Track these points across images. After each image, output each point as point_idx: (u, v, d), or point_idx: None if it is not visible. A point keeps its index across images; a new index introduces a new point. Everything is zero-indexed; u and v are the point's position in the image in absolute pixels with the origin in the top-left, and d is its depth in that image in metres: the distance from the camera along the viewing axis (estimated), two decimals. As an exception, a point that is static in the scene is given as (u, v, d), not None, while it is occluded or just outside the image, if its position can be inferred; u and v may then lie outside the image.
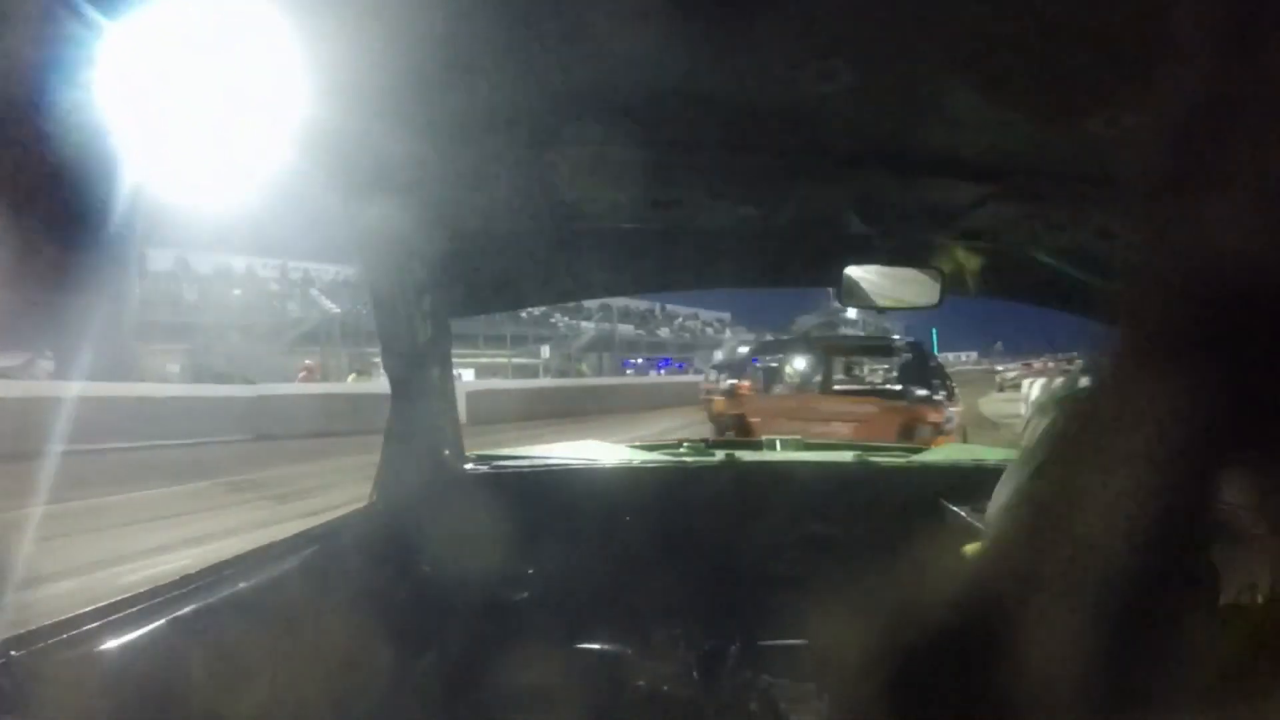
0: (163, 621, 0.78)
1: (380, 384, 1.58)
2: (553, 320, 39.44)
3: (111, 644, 0.72)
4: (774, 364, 6.93)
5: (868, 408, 6.55)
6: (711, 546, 1.82)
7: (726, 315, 56.90)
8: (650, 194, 1.39)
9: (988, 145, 1.21)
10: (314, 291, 34.75)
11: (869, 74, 0.99)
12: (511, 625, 1.73)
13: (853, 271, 1.56)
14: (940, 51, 0.91)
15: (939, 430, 6.24)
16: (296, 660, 1.02)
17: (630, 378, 32.93)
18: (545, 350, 36.81)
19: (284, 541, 1.10)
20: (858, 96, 1.04)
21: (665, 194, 1.39)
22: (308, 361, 22.20)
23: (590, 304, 42.06)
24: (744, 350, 8.69)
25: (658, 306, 50.59)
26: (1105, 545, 0.35)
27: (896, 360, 7.32)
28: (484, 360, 32.03)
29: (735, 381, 6.99)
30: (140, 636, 0.75)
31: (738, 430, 6.15)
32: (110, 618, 0.74)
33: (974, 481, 1.80)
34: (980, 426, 12.40)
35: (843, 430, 6.15)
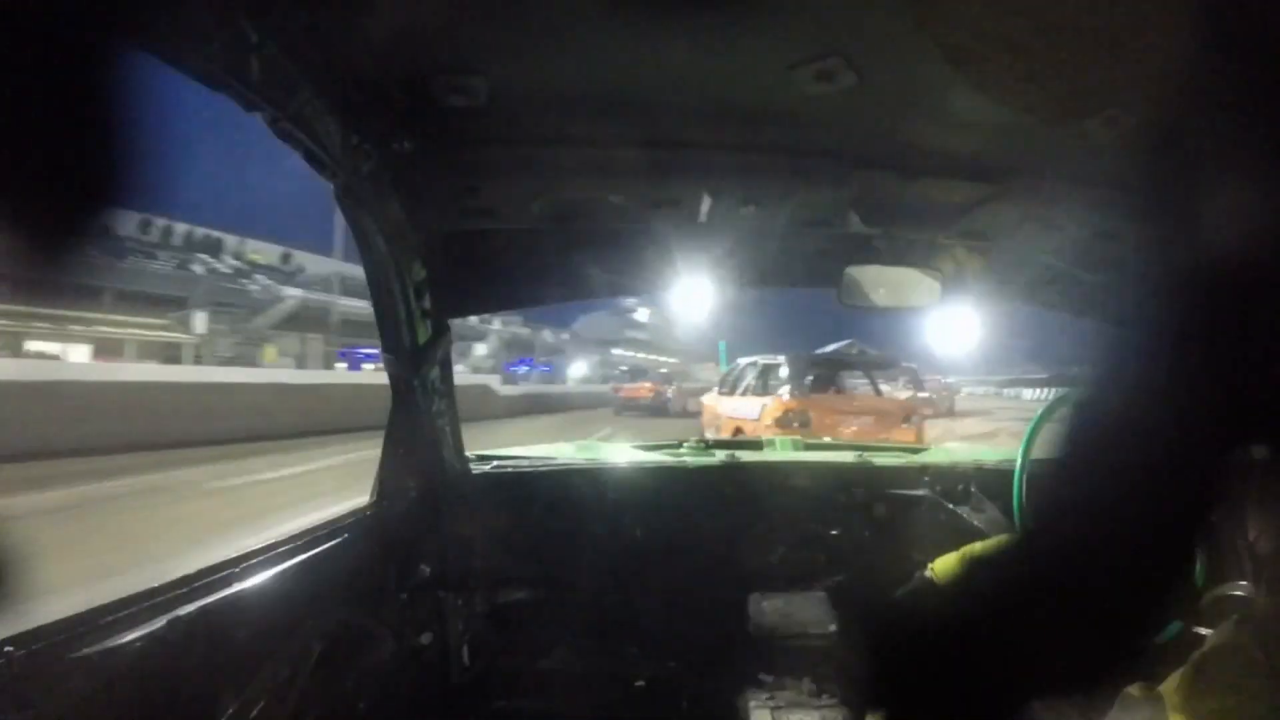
0: (163, 621, 0.78)
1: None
2: (243, 281, 25.27)
3: (111, 644, 0.72)
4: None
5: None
6: (712, 546, 1.82)
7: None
8: (650, 194, 1.39)
9: (988, 145, 1.21)
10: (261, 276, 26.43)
11: (868, 74, 0.99)
12: (511, 624, 1.73)
13: (853, 271, 1.56)
14: (940, 51, 0.91)
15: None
16: (296, 660, 1.02)
17: (339, 375, 18.78)
18: (199, 320, 21.10)
19: (284, 541, 1.10)
20: (857, 96, 1.04)
21: (665, 194, 1.39)
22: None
23: (308, 264, 31.05)
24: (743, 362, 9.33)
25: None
26: (1107, 543, 0.35)
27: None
28: (106, 331, 19.75)
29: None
30: (140, 636, 0.75)
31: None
32: (110, 618, 0.74)
33: (974, 481, 1.81)
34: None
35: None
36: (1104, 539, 0.35)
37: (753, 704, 1.39)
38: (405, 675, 1.37)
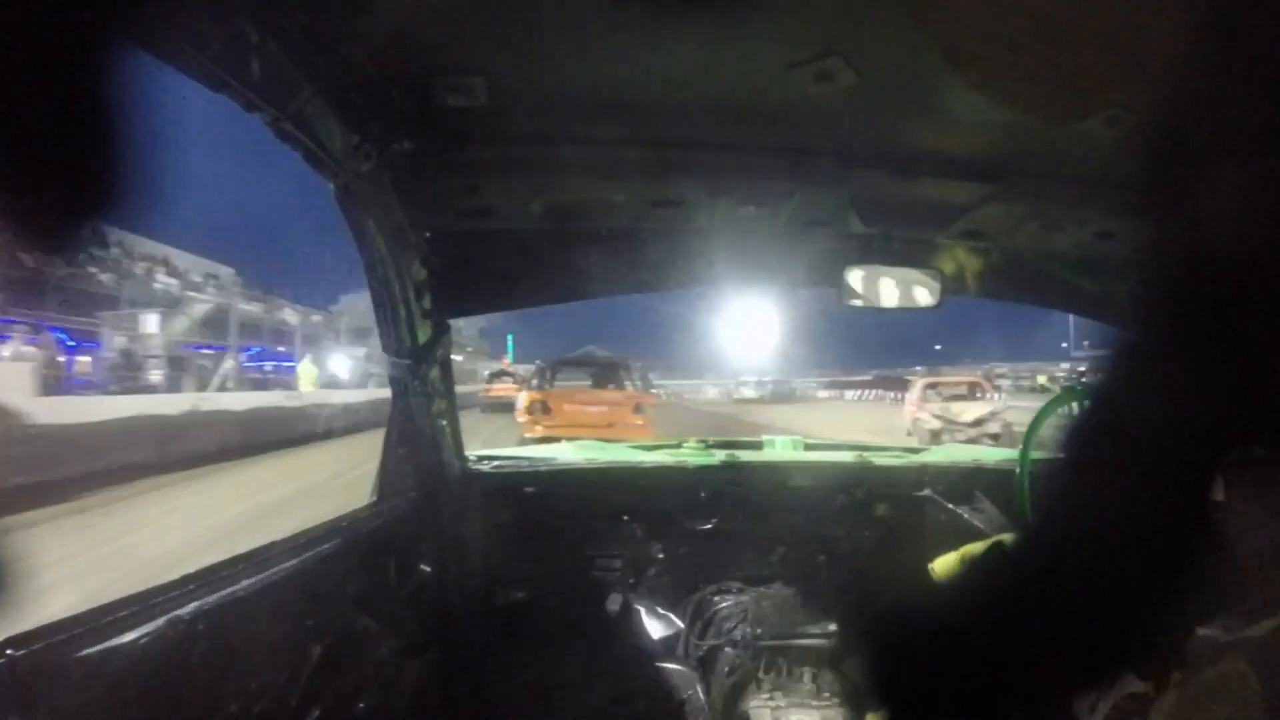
0: (163, 621, 0.78)
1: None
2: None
3: (111, 644, 0.72)
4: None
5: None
6: (712, 546, 1.82)
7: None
8: (650, 194, 1.39)
9: (988, 145, 1.21)
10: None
11: (868, 74, 0.99)
12: (511, 624, 1.73)
13: (853, 271, 1.56)
14: (940, 51, 0.91)
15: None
16: (297, 660, 1.02)
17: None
18: (150, 322, 19.35)
19: (284, 541, 1.10)
20: (857, 96, 1.04)
21: (665, 194, 1.39)
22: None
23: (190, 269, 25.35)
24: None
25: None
26: (1108, 543, 0.35)
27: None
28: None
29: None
30: (140, 636, 0.75)
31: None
32: (110, 618, 0.74)
33: (974, 481, 1.81)
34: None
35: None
36: (1104, 539, 0.35)
37: (753, 704, 1.39)
38: (405, 675, 1.37)
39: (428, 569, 1.53)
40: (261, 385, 20.22)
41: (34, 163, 0.34)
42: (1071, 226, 1.46)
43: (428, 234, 1.39)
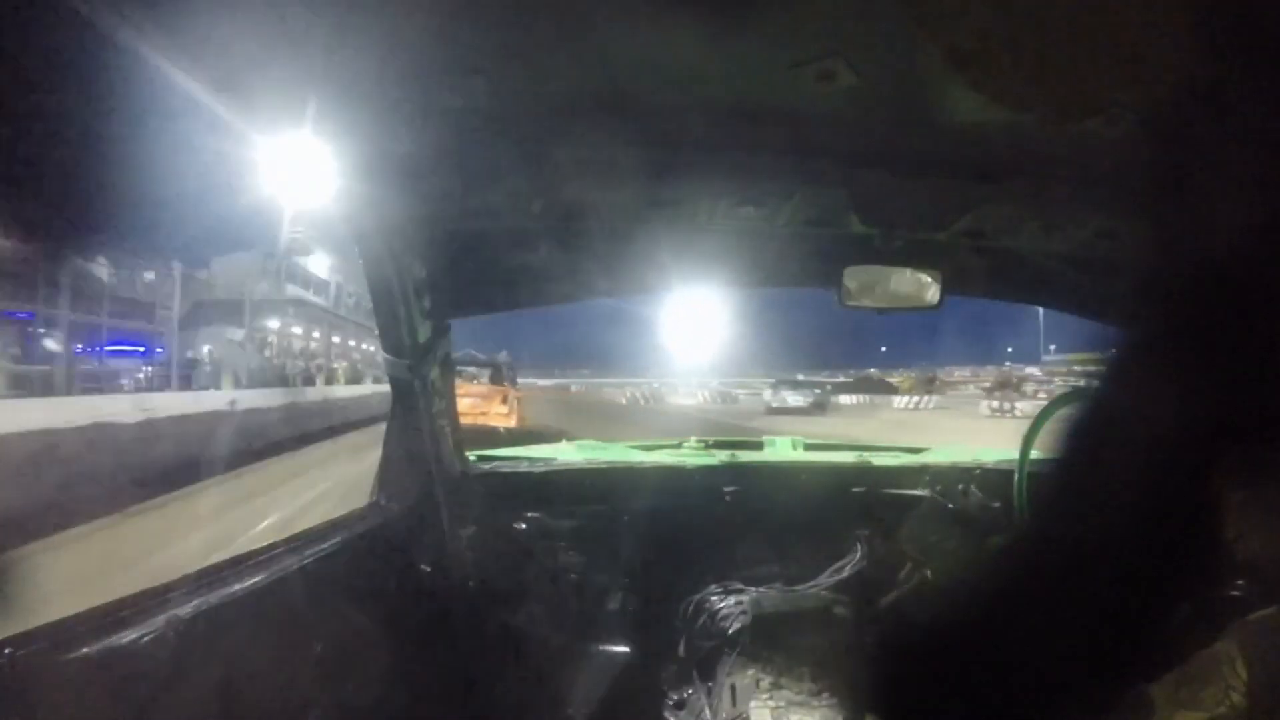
0: (163, 621, 0.78)
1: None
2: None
3: (111, 644, 0.72)
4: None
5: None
6: (712, 546, 1.82)
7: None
8: (650, 194, 1.39)
9: (988, 145, 1.21)
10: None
11: (868, 74, 0.99)
12: (512, 625, 1.73)
13: (853, 271, 1.56)
14: (940, 51, 0.91)
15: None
16: (296, 660, 1.02)
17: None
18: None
19: (284, 541, 1.10)
20: (857, 96, 1.04)
21: (665, 194, 1.39)
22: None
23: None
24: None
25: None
26: (1107, 543, 0.35)
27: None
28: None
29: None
30: (140, 636, 0.75)
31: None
32: (110, 618, 0.74)
33: (974, 481, 1.81)
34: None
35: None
36: (1103, 538, 0.35)
37: (753, 704, 1.39)
38: (405, 675, 1.37)
39: (428, 569, 1.53)
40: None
41: (34, 162, 0.34)
42: (1071, 226, 1.46)
43: (428, 234, 1.39)
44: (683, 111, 1.14)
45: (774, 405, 26.14)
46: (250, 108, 0.87)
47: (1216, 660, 0.70)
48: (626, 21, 0.90)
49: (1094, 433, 0.37)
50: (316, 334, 30.88)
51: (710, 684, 1.60)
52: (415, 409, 1.48)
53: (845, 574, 1.75)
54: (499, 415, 11.36)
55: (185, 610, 0.81)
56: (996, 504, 1.73)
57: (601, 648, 1.76)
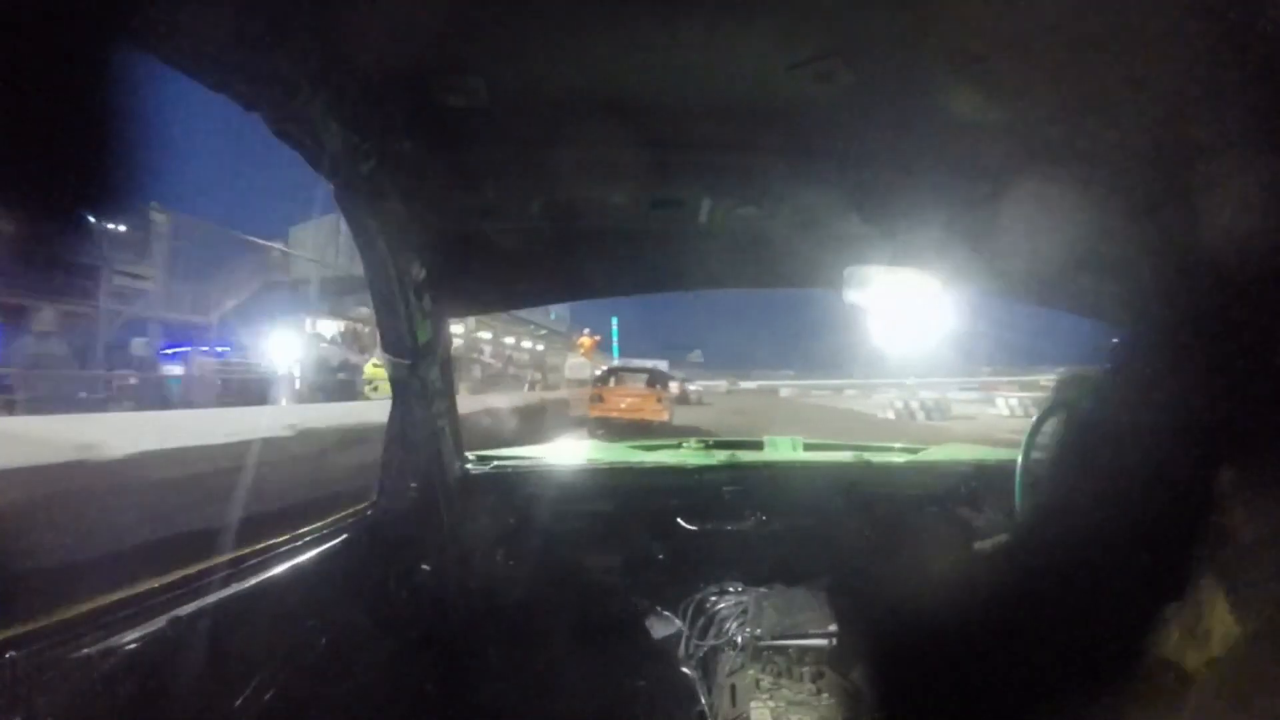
0: (163, 621, 0.78)
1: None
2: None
3: (111, 644, 0.72)
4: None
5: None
6: (712, 546, 1.82)
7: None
8: (650, 194, 1.39)
9: (988, 145, 1.21)
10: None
11: (868, 74, 0.99)
12: (511, 624, 1.73)
13: (853, 271, 1.56)
14: (940, 51, 0.91)
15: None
16: (296, 659, 1.02)
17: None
18: None
19: (284, 541, 1.10)
20: (857, 96, 1.04)
21: (665, 194, 1.39)
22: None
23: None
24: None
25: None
26: (1107, 542, 0.35)
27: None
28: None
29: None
30: (140, 636, 0.75)
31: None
32: (110, 618, 0.74)
33: (974, 481, 1.81)
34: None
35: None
36: (1103, 538, 0.35)
37: (753, 704, 1.39)
38: (405, 675, 1.37)
39: (428, 569, 1.53)
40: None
41: (34, 161, 0.34)
42: (1071, 226, 1.46)
43: (428, 234, 1.39)
44: (683, 111, 1.14)
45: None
46: (250, 107, 0.87)
47: (1216, 657, 0.70)
48: (626, 22, 0.90)
49: (1094, 432, 0.37)
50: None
51: (710, 684, 1.60)
52: (415, 409, 1.48)
53: (845, 574, 1.75)
54: (653, 410, 13.74)
55: (185, 610, 0.81)
56: (996, 504, 1.73)
57: (601, 648, 1.76)
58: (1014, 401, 23.18)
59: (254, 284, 17.61)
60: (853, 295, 1.57)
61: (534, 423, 10.51)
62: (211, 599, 0.86)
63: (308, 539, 1.14)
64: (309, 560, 1.09)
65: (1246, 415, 0.33)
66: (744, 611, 1.65)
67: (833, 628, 1.54)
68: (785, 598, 1.67)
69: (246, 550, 1.01)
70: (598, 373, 17.11)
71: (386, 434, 1.50)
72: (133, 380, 12.69)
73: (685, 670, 1.70)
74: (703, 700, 1.60)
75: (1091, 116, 1.01)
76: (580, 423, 12.85)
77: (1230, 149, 0.31)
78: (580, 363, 24.66)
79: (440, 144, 1.21)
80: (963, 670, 0.39)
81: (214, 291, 16.58)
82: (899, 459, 2.06)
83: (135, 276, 14.31)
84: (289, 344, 15.31)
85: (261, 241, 18.11)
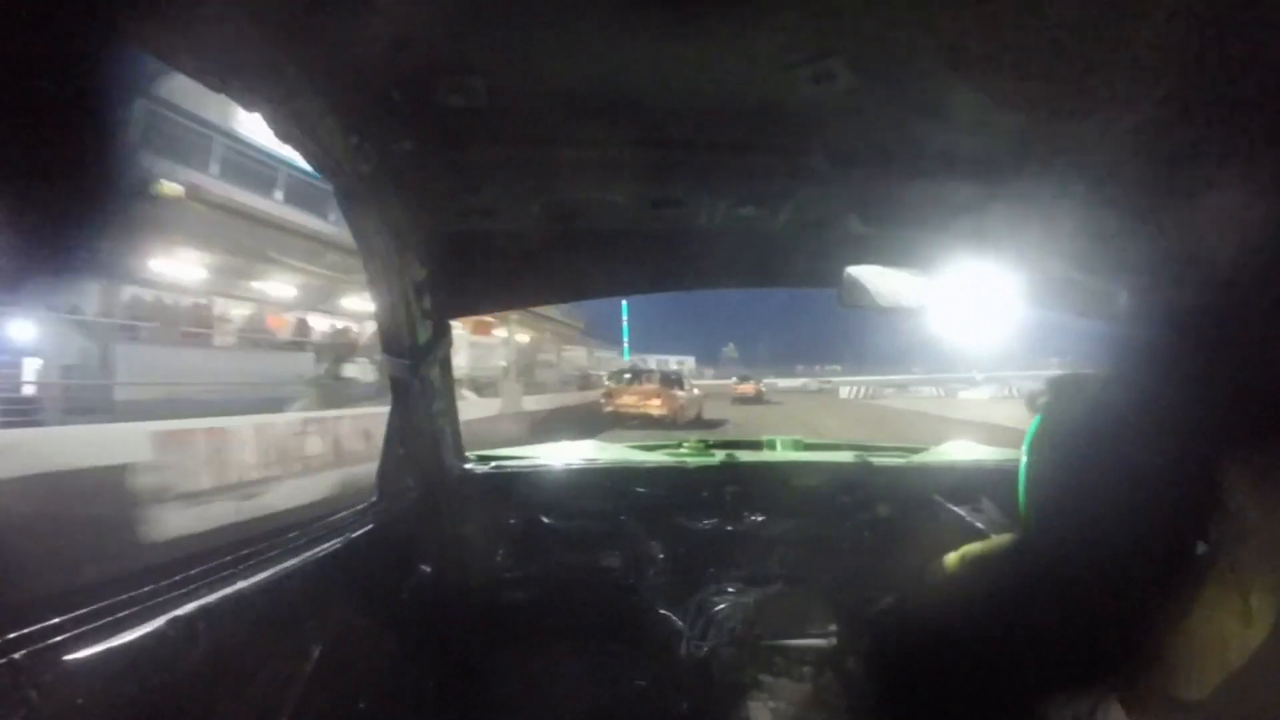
0: (163, 621, 0.78)
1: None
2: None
3: (111, 644, 0.72)
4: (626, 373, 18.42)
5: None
6: (712, 546, 1.82)
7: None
8: (650, 194, 1.39)
9: (988, 145, 1.21)
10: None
11: (868, 74, 0.99)
12: (511, 624, 1.73)
13: (853, 272, 1.56)
14: (939, 51, 0.91)
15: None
16: (297, 660, 1.02)
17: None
18: None
19: (284, 541, 1.10)
20: (857, 96, 1.04)
21: (665, 194, 1.39)
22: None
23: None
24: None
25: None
26: (1108, 542, 0.35)
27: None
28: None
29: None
30: (140, 636, 0.75)
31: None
32: (110, 618, 0.74)
33: (974, 481, 1.81)
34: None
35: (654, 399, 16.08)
36: (1104, 537, 0.35)
37: (753, 705, 1.39)
38: (405, 675, 1.37)
39: (428, 569, 1.53)
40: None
41: (33, 161, 0.34)
42: (1071, 226, 1.46)
43: (428, 234, 1.39)
44: (683, 111, 1.14)
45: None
46: (250, 107, 0.87)
47: (1217, 655, 0.70)
48: (626, 21, 0.90)
49: (1094, 432, 0.37)
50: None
51: (710, 684, 1.60)
52: (415, 409, 1.48)
53: (845, 574, 1.75)
54: (654, 405, 15.82)
55: (185, 610, 0.81)
56: (996, 504, 1.73)
57: (601, 648, 1.76)
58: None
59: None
60: (852, 295, 1.57)
61: (596, 412, 16.11)
62: (211, 599, 0.86)
63: (307, 539, 1.14)
64: (309, 560, 1.09)
65: (1249, 413, 0.33)
66: (744, 611, 1.65)
67: (833, 628, 1.54)
68: (785, 598, 1.67)
69: (246, 550, 1.01)
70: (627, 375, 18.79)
71: (387, 434, 1.50)
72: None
73: (685, 670, 1.70)
74: (703, 701, 1.60)
75: (1091, 116, 1.01)
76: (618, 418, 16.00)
77: (1232, 148, 0.31)
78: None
79: (440, 144, 1.20)
80: (963, 670, 0.39)
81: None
82: (899, 459, 2.06)
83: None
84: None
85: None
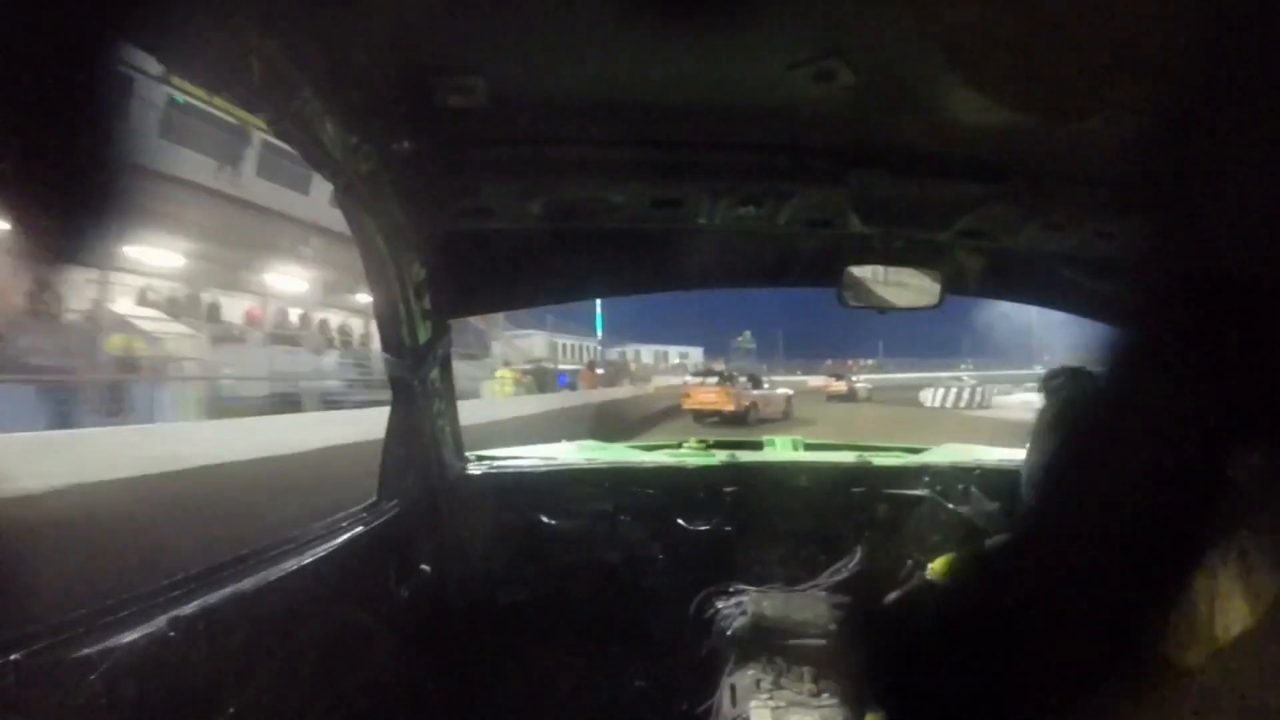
0: (163, 621, 0.78)
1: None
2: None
3: (111, 644, 0.72)
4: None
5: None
6: (711, 546, 1.82)
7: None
8: (650, 194, 1.39)
9: (988, 145, 1.21)
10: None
11: (868, 74, 0.99)
12: (511, 624, 1.73)
13: (853, 271, 1.56)
14: (939, 52, 0.91)
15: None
16: (297, 660, 1.02)
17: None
18: None
19: (284, 541, 1.10)
20: (857, 96, 1.04)
21: (665, 194, 1.39)
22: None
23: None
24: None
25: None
26: (1108, 542, 0.35)
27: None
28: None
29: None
30: (140, 636, 0.75)
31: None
32: (110, 618, 0.74)
33: (974, 481, 1.81)
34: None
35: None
36: (1105, 538, 0.35)
37: (753, 704, 1.39)
38: (405, 675, 1.37)
39: (428, 569, 1.53)
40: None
41: (34, 161, 0.34)
42: (1071, 226, 1.46)
43: (428, 234, 1.39)
44: (683, 111, 1.14)
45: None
46: (249, 108, 0.87)
47: (1222, 654, 0.70)
48: (626, 22, 0.90)
49: (1095, 432, 0.37)
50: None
51: (710, 684, 1.60)
52: (415, 409, 1.48)
53: (845, 574, 1.75)
54: (723, 400, 17.70)
55: (185, 610, 0.81)
56: (996, 504, 1.73)
57: (601, 648, 1.76)
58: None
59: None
60: (852, 295, 1.58)
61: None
62: (212, 599, 0.86)
63: (308, 539, 1.14)
64: (309, 560, 1.09)
65: (1250, 413, 0.33)
66: (744, 612, 1.65)
67: (833, 628, 1.54)
68: (785, 598, 1.67)
69: (246, 550, 1.01)
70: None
71: (387, 434, 1.50)
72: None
73: (685, 670, 1.70)
74: (703, 700, 1.60)
75: (1091, 116, 1.01)
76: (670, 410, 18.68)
77: (1232, 148, 0.31)
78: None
79: (440, 144, 1.20)
80: (963, 670, 0.39)
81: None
82: (899, 459, 2.06)
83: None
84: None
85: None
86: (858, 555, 1.77)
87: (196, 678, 0.82)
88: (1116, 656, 0.38)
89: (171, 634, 0.78)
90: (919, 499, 1.82)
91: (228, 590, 0.90)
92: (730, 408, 17.53)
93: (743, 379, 19.43)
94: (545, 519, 1.81)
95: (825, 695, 1.41)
